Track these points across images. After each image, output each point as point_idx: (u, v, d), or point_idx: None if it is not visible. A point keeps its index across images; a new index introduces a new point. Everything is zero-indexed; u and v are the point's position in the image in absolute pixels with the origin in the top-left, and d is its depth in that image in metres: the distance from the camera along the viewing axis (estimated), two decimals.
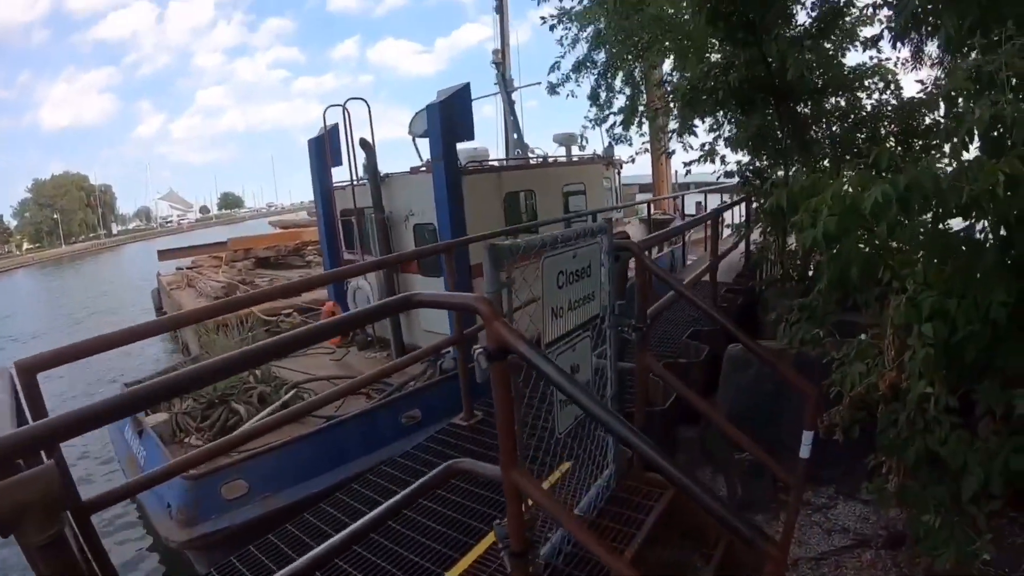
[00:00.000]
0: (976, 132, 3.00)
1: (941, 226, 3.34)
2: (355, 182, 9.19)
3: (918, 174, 3.03)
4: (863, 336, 4.04)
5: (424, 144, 8.82)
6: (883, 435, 3.62)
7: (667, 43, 9.02)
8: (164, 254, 27.05)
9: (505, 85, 12.58)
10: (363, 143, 8.63)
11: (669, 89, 9.20)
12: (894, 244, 3.63)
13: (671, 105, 9.02)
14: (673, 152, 9.17)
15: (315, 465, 6.05)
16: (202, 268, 21.38)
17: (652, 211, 15.73)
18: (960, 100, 3.38)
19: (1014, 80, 2.97)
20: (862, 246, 3.55)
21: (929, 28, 4.57)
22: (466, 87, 7.73)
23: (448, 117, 7.44)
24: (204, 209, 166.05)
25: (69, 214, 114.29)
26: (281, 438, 6.38)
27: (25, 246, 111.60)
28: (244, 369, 6.84)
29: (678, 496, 3.67)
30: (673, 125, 9.08)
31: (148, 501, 6.13)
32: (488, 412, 5.15)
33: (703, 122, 8.56)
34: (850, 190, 3.30)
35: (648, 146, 11.63)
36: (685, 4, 8.42)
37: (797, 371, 4.26)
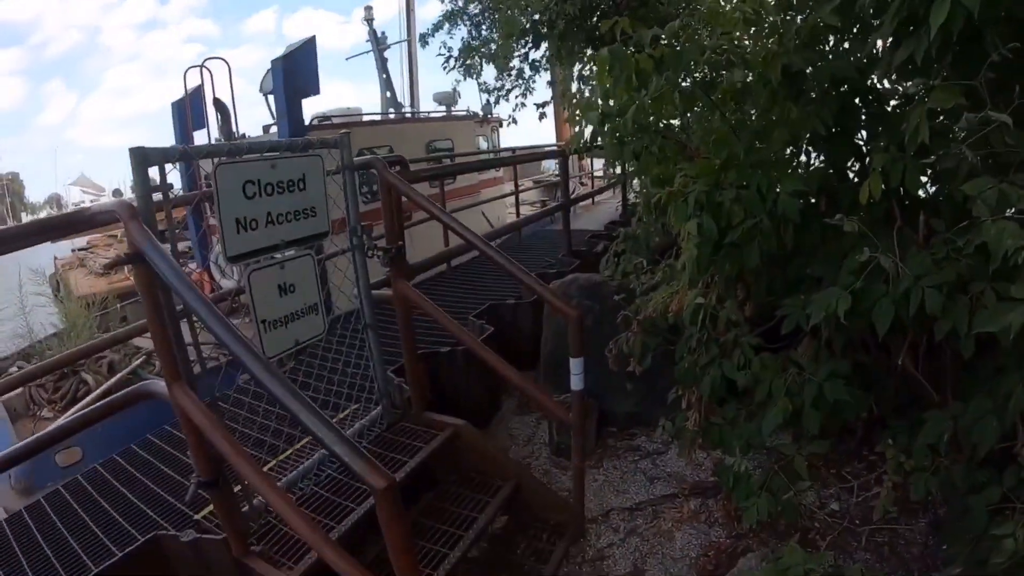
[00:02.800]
0: None
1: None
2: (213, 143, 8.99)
3: (641, 33, 2.79)
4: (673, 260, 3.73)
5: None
6: (680, 364, 3.26)
7: None
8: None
9: (376, 42, 12.41)
10: (217, 103, 8.42)
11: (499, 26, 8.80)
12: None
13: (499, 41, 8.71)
14: (509, 102, 9.02)
15: (145, 427, 5.99)
16: (96, 247, 20.63)
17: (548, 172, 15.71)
18: None
19: None
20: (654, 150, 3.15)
21: None
22: (311, 40, 7.59)
23: (291, 73, 7.32)
24: (117, 192, 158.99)
25: None
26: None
27: None
28: None
29: (458, 437, 3.60)
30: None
31: None
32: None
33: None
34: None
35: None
36: None
37: (619, 306, 4.00)
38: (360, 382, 3.49)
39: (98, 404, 2.71)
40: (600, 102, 3.12)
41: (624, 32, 2.92)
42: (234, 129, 8.44)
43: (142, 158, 2.23)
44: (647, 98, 2.83)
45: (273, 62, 7.48)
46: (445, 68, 9.82)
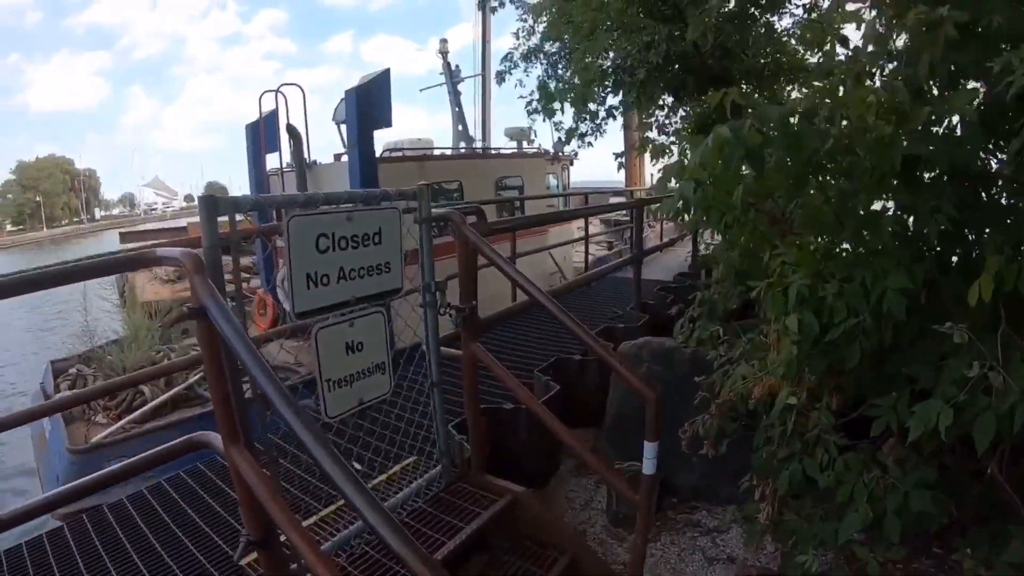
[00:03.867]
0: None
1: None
2: (285, 169, 9.10)
3: (764, 110, 2.49)
4: (756, 334, 3.55)
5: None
6: (758, 453, 3.10)
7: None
8: (126, 237, 26.66)
9: (451, 75, 12.48)
10: (290, 129, 8.55)
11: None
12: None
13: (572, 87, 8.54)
14: (581, 143, 8.88)
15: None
16: None
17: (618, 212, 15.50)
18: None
19: None
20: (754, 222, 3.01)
21: None
22: (385, 73, 7.63)
23: (365, 104, 7.37)
24: (189, 197, 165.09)
25: (52, 197, 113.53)
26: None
27: (8, 228, 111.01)
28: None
29: (517, 504, 3.45)
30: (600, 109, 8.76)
31: (45, 474, 6.16)
32: None
33: (654, 113, 8.21)
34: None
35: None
36: None
37: (691, 372, 3.90)
38: (417, 431, 3.38)
39: (152, 452, 2.61)
40: (688, 163, 2.92)
41: (735, 103, 2.68)
42: (305, 155, 8.54)
43: (212, 208, 2.15)
44: (750, 176, 2.68)
45: (347, 93, 7.53)
46: (527, 111, 9.79)
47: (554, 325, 6.53)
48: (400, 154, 8.81)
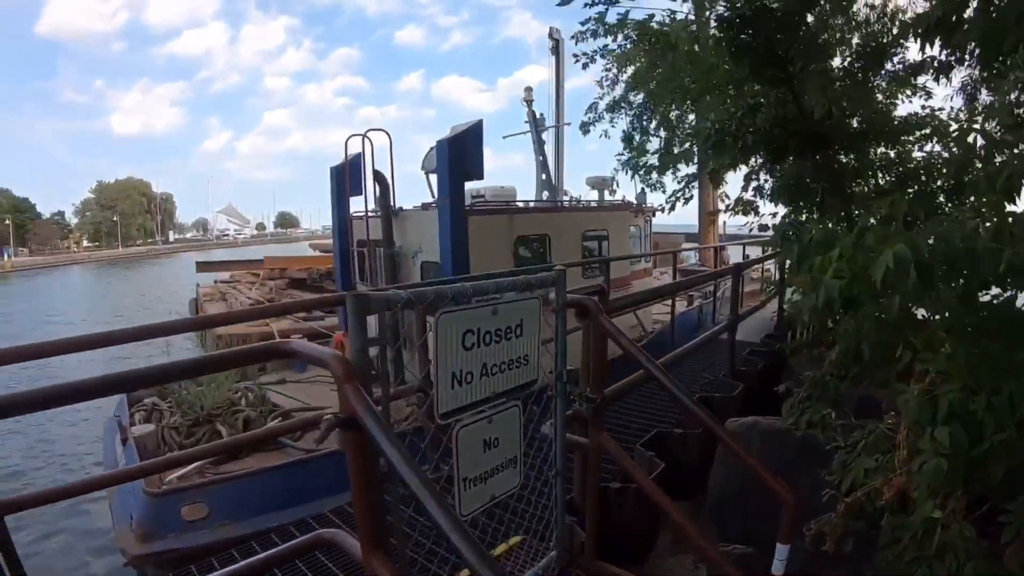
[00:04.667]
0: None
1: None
2: (370, 214, 9.11)
3: (944, 231, 2.40)
4: (877, 424, 3.40)
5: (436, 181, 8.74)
6: (883, 553, 2.95)
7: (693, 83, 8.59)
8: (202, 266, 27.54)
9: (535, 124, 12.40)
10: (377, 176, 8.55)
11: (688, 133, 8.75)
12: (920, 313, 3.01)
13: (692, 149, 8.51)
14: (690, 198, 8.72)
15: (279, 499, 5.88)
16: (238, 283, 21.62)
17: (687, 262, 15.25)
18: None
19: None
20: (878, 314, 2.88)
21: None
22: (478, 124, 7.58)
23: (457, 154, 7.30)
24: (260, 226, 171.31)
25: (129, 217, 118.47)
26: (257, 464, 6.42)
27: (84, 244, 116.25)
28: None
29: None
30: (687, 170, 8.59)
31: (117, 511, 6.12)
32: None
33: (735, 171, 8.12)
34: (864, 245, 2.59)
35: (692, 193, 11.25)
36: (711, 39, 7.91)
37: (800, 457, 3.83)
38: (525, 507, 3.18)
39: (278, 550, 2.47)
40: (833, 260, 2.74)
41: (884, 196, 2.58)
42: (391, 202, 8.52)
43: (363, 307, 2.01)
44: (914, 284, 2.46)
45: (439, 143, 7.48)
46: (622, 170, 9.67)
47: (646, 394, 6.34)
48: (484, 202, 8.73)
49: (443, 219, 7.36)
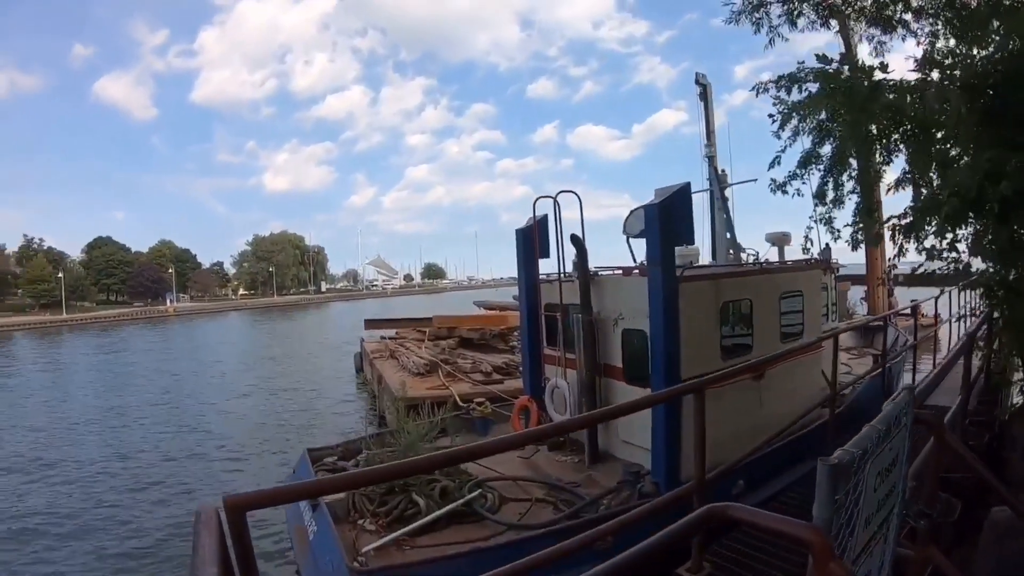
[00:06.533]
0: None
1: None
2: (563, 277, 8.94)
3: None
4: None
5: (637, 244, 8.46)
6: None
7: (899, 137, 8.03)
8: (370, 323, 28.52)
9: (718, 180, 11.92)
10: (574, 240, 8.39)
11: (917, 198, 8.13)
12: None
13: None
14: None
15: None
16: (405, 341, 21.89)
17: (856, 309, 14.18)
18: None
19: None
20: None
21: None
22: (686, 187, 7.29)
23: (667, 219, 6.99)
24: (408, 277, 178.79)
25: (283, 268, 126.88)
26: (457, 538, 6.26)
27: (240, 292, 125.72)
28: (431, 470, 6.63)
29: None
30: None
31: None
32: (724, 565, 4.52)
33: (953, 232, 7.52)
34: None
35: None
36: (948, 103, 7.40)
37: None
38: None
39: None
40: None
41: None
42: (588, 267, 8.34)
43: (842, 475, 1.73)
44: None
45: (647, 208, 7.19)
46: (816, 220, 9.15)
47: None
48: (693, 270, 8.36)
49: (654, 287, 7.02)
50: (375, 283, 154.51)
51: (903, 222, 8.49)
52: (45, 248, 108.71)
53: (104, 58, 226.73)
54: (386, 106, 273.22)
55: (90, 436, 18.80)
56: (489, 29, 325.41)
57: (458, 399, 12.46)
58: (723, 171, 12.16)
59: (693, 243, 7.32)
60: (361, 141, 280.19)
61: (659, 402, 6.31)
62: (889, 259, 9.47)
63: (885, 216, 8.82)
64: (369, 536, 6.45)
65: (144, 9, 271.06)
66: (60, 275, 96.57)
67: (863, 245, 9.53)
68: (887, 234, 9.07)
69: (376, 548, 6.09)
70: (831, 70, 8.56)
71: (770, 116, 9.74)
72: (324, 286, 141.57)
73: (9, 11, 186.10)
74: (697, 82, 13.57)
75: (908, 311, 13.11)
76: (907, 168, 9.10)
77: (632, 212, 8.39)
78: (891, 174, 8.38)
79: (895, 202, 8.61)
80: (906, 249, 9.00)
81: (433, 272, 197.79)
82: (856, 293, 23.55)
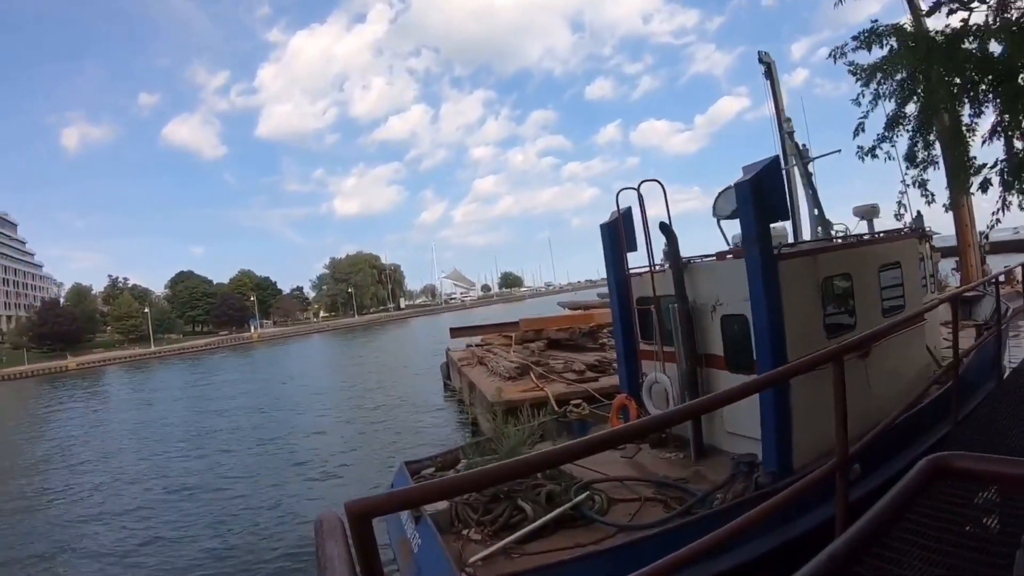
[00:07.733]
0: None
1: None
2: (653, 268, 8.71)
3: None
4: None
5: (728, 226, 8.17)
6: None
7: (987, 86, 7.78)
8: (455, 332, 28.52)
9: (800, 155, 11.45)
10: (664, 228, 8.11)
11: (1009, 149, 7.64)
12: None
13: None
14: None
15: None
16: (492, 347, 21.74)
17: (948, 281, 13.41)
18: None
19: None
20: None
21: None
22: (775, 160, 6.98)
23: (760, 195, 6.66)
24: (485, 287, 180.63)
25: (362, 288, 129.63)
26: (566, 543, 6.08)
27: (321, 314, 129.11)
28: (531, 473, 6.47)
29: None
30: None
31: None
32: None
33: None
34: None
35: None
36: None
37: None
38: None
39: None
40: None
41: None
42: (680, 254, 8.08)
43: None
44: None
45: (738, 185, 6.88)
46: (910, 183, 8.75)
47: None
48: (791, 248, 8.01)
49: (752, 267, 6.72)
50: (453, 296, 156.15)
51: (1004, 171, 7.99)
52: (130, 286, 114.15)
53: (169, 103, 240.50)
54: (447, 122, 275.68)
55: (190, 456, 20.25)
56: (540, 36, 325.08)
57: (553, 400, 12.26)
58: (804, 146, 11.70)
59: (788, 218, 6.97)
60: (426, 159, 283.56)
61: (776, 382, 5.85)
62: (992, 213, 8.95)
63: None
64: (475, 546, 6.31)
65: (202, 54, 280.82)
66: (146, 310, 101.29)
67: (953, 209, 8.99)
68: (976, 194, 8.59)
69: (484, 558, 5.95)
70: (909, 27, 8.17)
71: (852, 73, 9.36)
72: (403, 303, 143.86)
73: (77, 67, 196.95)
74: (761, 60, 13.32)
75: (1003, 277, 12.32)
76: (999, 118, 8.60)
77: (721, 193, 8.11)
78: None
79: (987, 158, 8.20)
80: (1009, 203, 8.49)
81: (510, 281, 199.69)
82: (945, 265, 22.53)
